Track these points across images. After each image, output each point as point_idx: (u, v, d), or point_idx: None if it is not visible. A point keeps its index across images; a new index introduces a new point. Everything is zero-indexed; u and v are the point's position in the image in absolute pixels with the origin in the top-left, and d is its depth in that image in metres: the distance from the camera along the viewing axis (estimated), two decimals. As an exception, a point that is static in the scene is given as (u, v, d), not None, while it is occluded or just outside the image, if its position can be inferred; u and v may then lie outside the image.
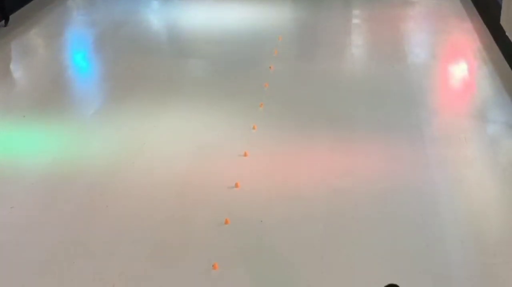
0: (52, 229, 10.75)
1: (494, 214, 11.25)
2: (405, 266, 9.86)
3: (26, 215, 11.14)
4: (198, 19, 21.27)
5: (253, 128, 13.90)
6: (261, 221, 10.95)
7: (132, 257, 10.08)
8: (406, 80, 16.40)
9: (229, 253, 10.17)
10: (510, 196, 11.72)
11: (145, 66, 17.38)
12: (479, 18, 20.45)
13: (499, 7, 17.21)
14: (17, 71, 17.92)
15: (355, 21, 21.15)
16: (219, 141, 13.44)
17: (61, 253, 10.17)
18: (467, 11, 21.20)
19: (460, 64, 17.96)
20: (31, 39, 19.97)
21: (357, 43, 19.16)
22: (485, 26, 19.64)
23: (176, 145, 13.31)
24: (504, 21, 16.57)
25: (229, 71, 17.06)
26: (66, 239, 10.55)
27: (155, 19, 22.38)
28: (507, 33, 16.14)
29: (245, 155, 12.86)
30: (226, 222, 10.85)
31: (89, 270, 9.82)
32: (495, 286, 9.54)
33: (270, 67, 17.08)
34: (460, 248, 10.27)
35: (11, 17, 20.03)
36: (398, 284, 8.13)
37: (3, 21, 19.87)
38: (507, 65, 16.85)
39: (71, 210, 11.26)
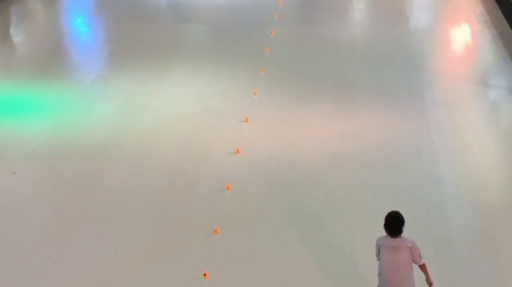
0: (54, 194, 10.80)
1: (495, 179, 11.27)
2: (406, 230, 9.89)
3: (28, 181, 11.18)
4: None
5: (254, 93, 13.87)
6: (262, 186, 10.98)
7: (134, 222, 10.14)
8: (407, 44, 16.31)
9: (230, 218, 10.22)
10: (510, 161, 11.73)
11: (146, 31, 17.28)
12: (482, -19, 20.29)
13: (502, -30, 17.06)
14: (17, 36, 17.82)
15: (357, -16, 20.97)
16: (220, 107, 13.42)
17: (62, 218, 10.23)
18: (470, -26, 21.03)
19: (462, 28, 17.82)
20: (30, 3, 19.82)
21: (359, 7, 19.01)
22: (488, -11, 19.48)
23: (177, 111, 13.28)
24: (507, -15, 16.44)
25: (229, 36, 16.96)
26: (67, 204, 10.60)
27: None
28: (510, -3, 16.02)
29: (246, 120, 12.84)
30: (227, 188, 10.89)
31: (90, 234, 9.89)
32: (495, 249, 9.61)
33: (271, 32, 16.97)
34: (460, 213, 10.32)
35: (10, -19, 19.91)
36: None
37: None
38: (509, 30, 16.72)
39: (72, 176, 11.29)
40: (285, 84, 14.30)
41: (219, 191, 10.84)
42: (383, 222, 9.96)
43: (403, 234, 7.70)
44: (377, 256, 7.81)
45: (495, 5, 18.27)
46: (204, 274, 9.05)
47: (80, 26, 18.16)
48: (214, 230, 9.89)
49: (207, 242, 9.72)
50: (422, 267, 7.83)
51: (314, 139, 12.33)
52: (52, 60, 15.67)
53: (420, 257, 7.69)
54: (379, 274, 7.71)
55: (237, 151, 11.87)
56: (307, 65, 15.26)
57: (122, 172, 11.38)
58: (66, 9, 19.58)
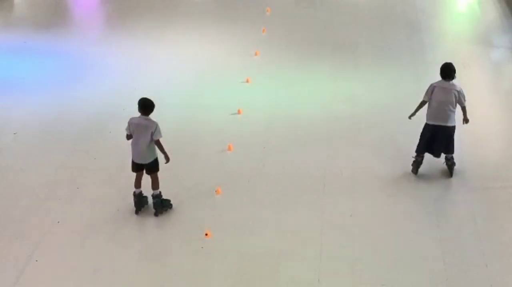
0: (56, 154, 10.83)
1: (495, 139, 11.29)
2: (406, 192, 9.97)
3: (30, 141, 11.21)
4: None
5: (255, 54, 13.81)
6: (264, 147, 11.01)
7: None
8: (409, 4, 16.17)
9: (232, 178, 10.26)
10: (511, 121, 11.73)
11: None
12: None
13: None
14: (16, -4, 17.70)
15: None
16: (221, 67, 13.36)
17: (64, 178, 10.27)
18: None
19: (465, -13, 17.68)
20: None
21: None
22: None
23: (177, 72, 13.23)
24: None
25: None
26: (69, 164, 10.63)
27: None
28: (514, -45, 15.83)
29: (247, 81, 12.82)
30: (229, 149, 10.91)
31: (92, 194, 9.94)
32: (494, 208, 9.66)
33: (272, -8, 16.84)
34: (461, 172, 10.35)
35: None
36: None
37: None
38: (512, -11, 16.60)
39: (74, 136, 11.30)
40: (287, 45, 14.24)
41: (221, 152, 10.87)
42: (383, 184, 10.09)
43: (454, 81, 10.00)
44: (425, 95, 10.15)
45: (499, -36, 18.08)
46: (206, 234, 9.13)
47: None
48: (216, 191, 9.94)
49: (209, 202, 9.78)
50: (463, 109, 10.16)
51: (316, 100, 12.32)
52: (52, 20, 15.57)
53: (464, 99, 10.04)
54: (428, 108, 10.08)
55: (238, 112, 11.87)
56: (308, 25, 15.16)
57: (124, 133, 11.32)
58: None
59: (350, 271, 8.57)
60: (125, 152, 10.86)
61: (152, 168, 9.46)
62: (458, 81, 12.73)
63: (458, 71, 13.00)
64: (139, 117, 9.30)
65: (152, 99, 9.18)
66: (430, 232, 9.19)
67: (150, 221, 9.45)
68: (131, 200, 9.70)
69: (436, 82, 10.11)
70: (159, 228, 9.34)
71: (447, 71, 10.05)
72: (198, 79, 12.99)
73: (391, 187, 10.06)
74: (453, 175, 10.18)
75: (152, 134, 9.21)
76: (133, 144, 9.37)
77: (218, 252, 8.88)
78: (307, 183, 10.16)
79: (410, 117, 10.25)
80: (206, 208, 9.67)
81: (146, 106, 9.27)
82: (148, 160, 9.37)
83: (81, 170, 10.47)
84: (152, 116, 9.32)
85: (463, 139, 11.17)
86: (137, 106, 9.26)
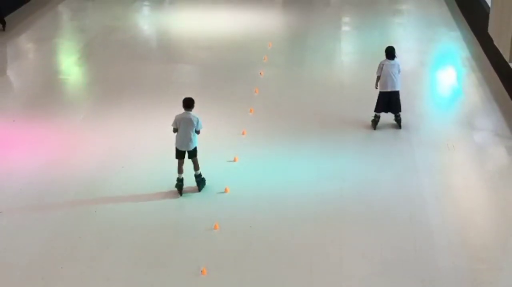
0: (40, 234, 10.74)
1: (481, 220, 11.32)
2: (394, 272, 9.91)
3: (14, 220, 11.13)
4: (188, 25, 21.33)
5: (243, 133, 13.95)
6: (250, 226, 10.99)
7: (119, 264, 10.07)
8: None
9: (217, 257, 10.19)
10: (496, 203, 11.80)
11: (135, 71, 17.40)
12: (468, 26, 20.61)
13: (486, 16, 17.34)
14: (7, 75, 17.90)
15: (345, 28, 21.26)
16: (208, 146, 13.42)
17: (48, 258, 10.17)
18: (456, 20, 21.38)
19: (448, 71, 18.06)
20: (21, 43, 19.95)
21: (347, 50, 19.24)
22: (473, 34, 19.79)
23: (165, 151, 13.27)
24: (491, 30, 16.69)
25: (218, 77, 17.10)
26: (53, 244, 10.54)
27: (146, 24, 22.40)
28: (494, 42, 16.26)
29: (234, 160, 12.91)
30: (215, 227, 10.88)
31: (76, 275, 9.82)
32: (481, 290, 9.63)
33: (260, 73, 17.13)
34: (447, 253, 10.33)
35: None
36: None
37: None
38: (495, 74, 16.95)
39: (59, 215, 11.25)
40: (274, 125, 14.41)
41: (207, 230, 10.83)
42: (371, 264, 10.07)
43: (396, 59, 14.01)
44: (378, 71, 14.02)
45: (481, 50, 18.56)
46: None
47: (71, 66, 18.25)
48: (201, 270, 9.86)
49: (194, 282, 9.67)
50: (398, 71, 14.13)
51: (302, 179, 12.38)
52: (41, 99, 15.74)
53: (399, 71, 14.06)
54: (380, 80, 13.97)
55: (226, 191, 11.90)
56: (295, 106, 15.39)
57: (109, 212, 11.35)
58: (57, 49, 19.70)
59: None
60: (109, 232, 10.82)
61: (194, 153, 11.77)
62: (443, 162, 13.09)
63: (443, 152, 13.38)
64: (183, 113, 11.66)
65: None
66: None
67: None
68: (118, 283, 9.59)
69: (383, 61, 14.02)
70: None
71: (391, 52, 13.98)
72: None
73: (379, 267, 10.01)
74: (442, 264, 10.03)
75: (195, 127, 11.59)
76: (180, 135, 11.62)
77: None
78: (294, 263, 10.10)
79: (376, 87, 14.09)
80: (191, 288, 9.57)
81: (188, 103, 11.72)
82: (191, 147, 11.67)
83: (65, 249, 10.38)
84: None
85: (449, 219, 11.22)
86: (182, 104, 11.74)
